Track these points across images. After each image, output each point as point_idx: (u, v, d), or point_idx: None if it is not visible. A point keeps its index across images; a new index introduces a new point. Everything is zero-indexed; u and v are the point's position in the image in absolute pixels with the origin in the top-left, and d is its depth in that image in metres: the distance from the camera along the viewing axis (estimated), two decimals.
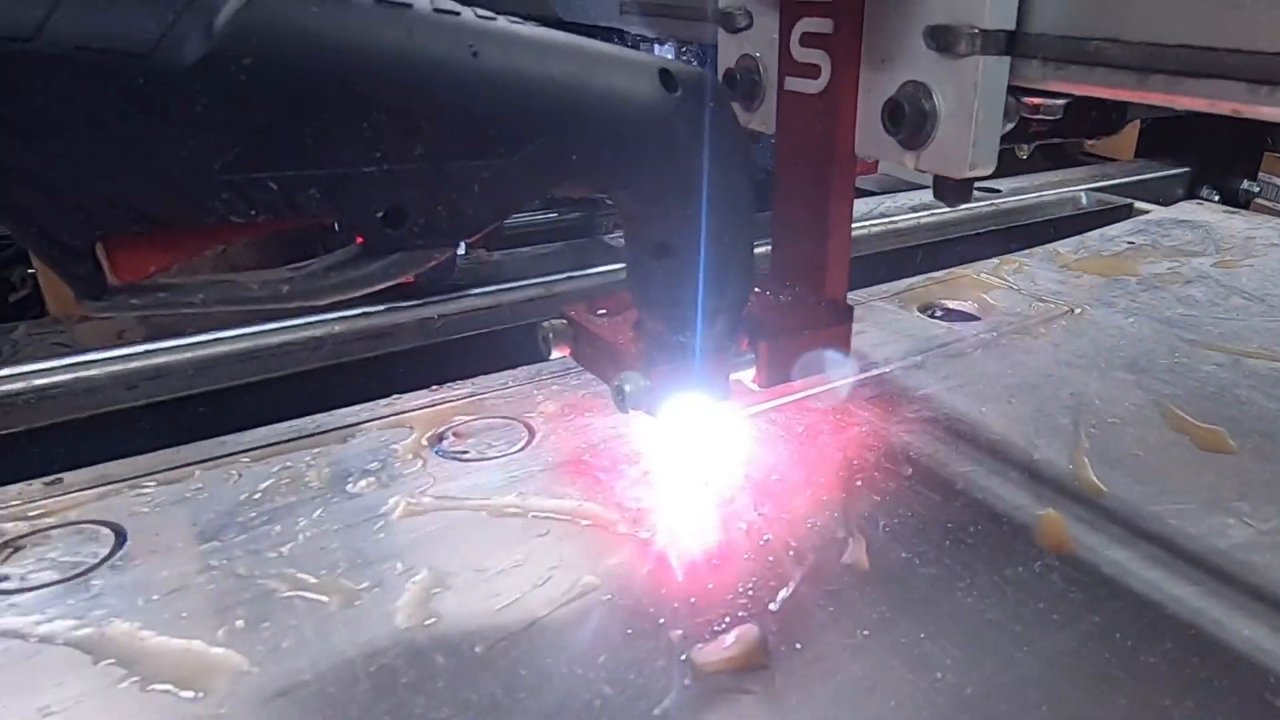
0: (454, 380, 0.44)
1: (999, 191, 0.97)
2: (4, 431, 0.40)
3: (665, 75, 0.25)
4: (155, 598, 0.28)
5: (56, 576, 0.29)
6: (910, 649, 0.26)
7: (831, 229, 0.31)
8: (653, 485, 0.34)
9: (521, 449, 0.37)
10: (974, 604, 0.28)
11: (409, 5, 0.20)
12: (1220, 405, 0.47)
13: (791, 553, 0.30)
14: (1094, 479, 0.37)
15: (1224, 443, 0.42)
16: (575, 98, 0.23)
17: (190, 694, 0.25)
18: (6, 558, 0.30)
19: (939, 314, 0.59)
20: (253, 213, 0.19)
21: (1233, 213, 0.92)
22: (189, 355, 0.46)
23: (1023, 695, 0.25)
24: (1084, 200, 1.00)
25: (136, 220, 0.18)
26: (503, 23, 0.22)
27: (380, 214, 0.21)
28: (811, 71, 0.30)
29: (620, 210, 0.27)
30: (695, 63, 0.53)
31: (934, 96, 0.26)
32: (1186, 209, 0.92)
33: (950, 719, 0.24)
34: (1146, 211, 0.94)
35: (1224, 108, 0.22)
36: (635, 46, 0.50)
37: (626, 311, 0.30)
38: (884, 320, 0.57)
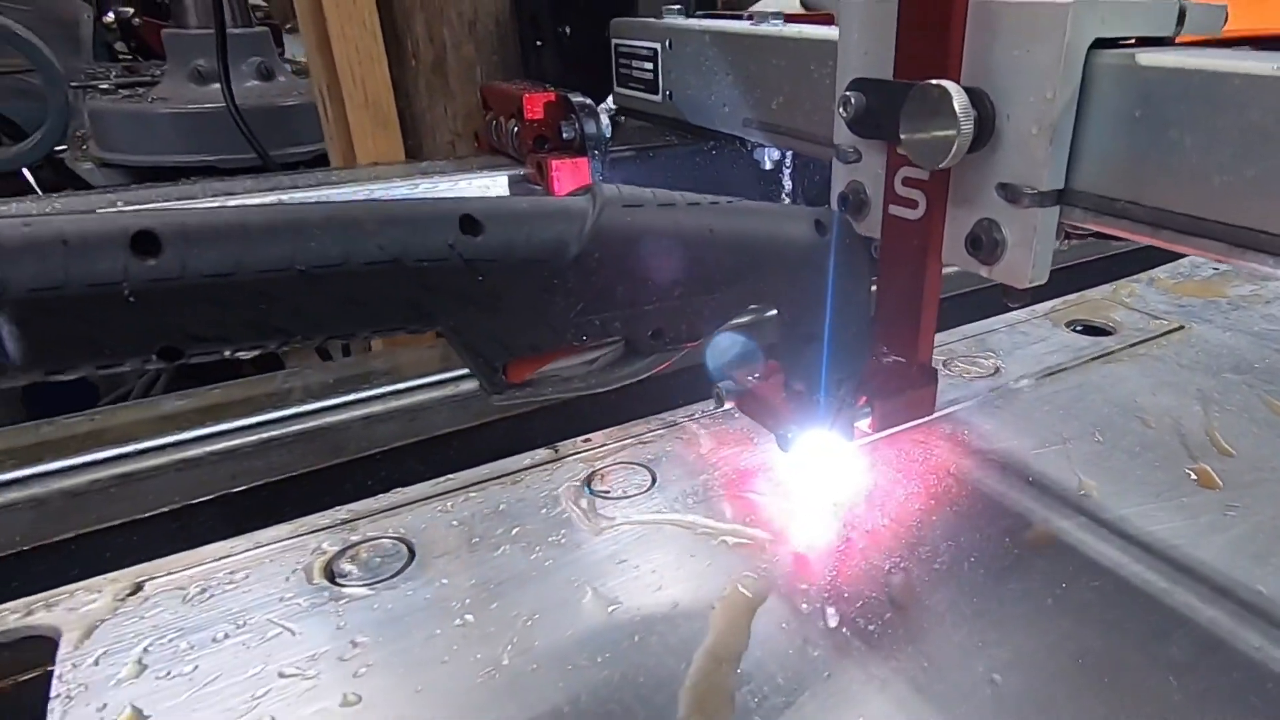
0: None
1: None
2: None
3: (819, 224, 0.36)
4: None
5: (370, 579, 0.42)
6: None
7: (923, 313, 0.42)
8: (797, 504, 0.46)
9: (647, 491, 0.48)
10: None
11: (674, 205, 0.32)
12: None
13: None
14: (1224, 444, 0.53)
15: None
16: (766, 247, 0.35)
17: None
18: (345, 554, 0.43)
19: (1079, 329, 0.74)
20: (585, 339, 0.31)
21: None
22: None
23: None
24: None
25: (531, 349, 0.30)
26: (723, 202, 0.34)
27: (650, 333, 0.33)
28: (910, 204, 0.41)
29: (781, 312, 0.39)
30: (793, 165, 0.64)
31: (1003, 230, 0.38)
32: None
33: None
34: None
35: (1213, 258, 0.33)
36: (750, 150, 0.61)
37: (775, 376, 0.42)
38: (1043, 334, 0.73)
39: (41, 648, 0.39)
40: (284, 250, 0.24)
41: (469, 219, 0.27)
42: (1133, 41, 0.36)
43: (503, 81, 0.62)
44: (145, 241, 0.22)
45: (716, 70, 0.59)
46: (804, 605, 0.39)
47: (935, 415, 0.53)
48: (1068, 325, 0.77)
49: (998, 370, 0.65)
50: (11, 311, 0.20)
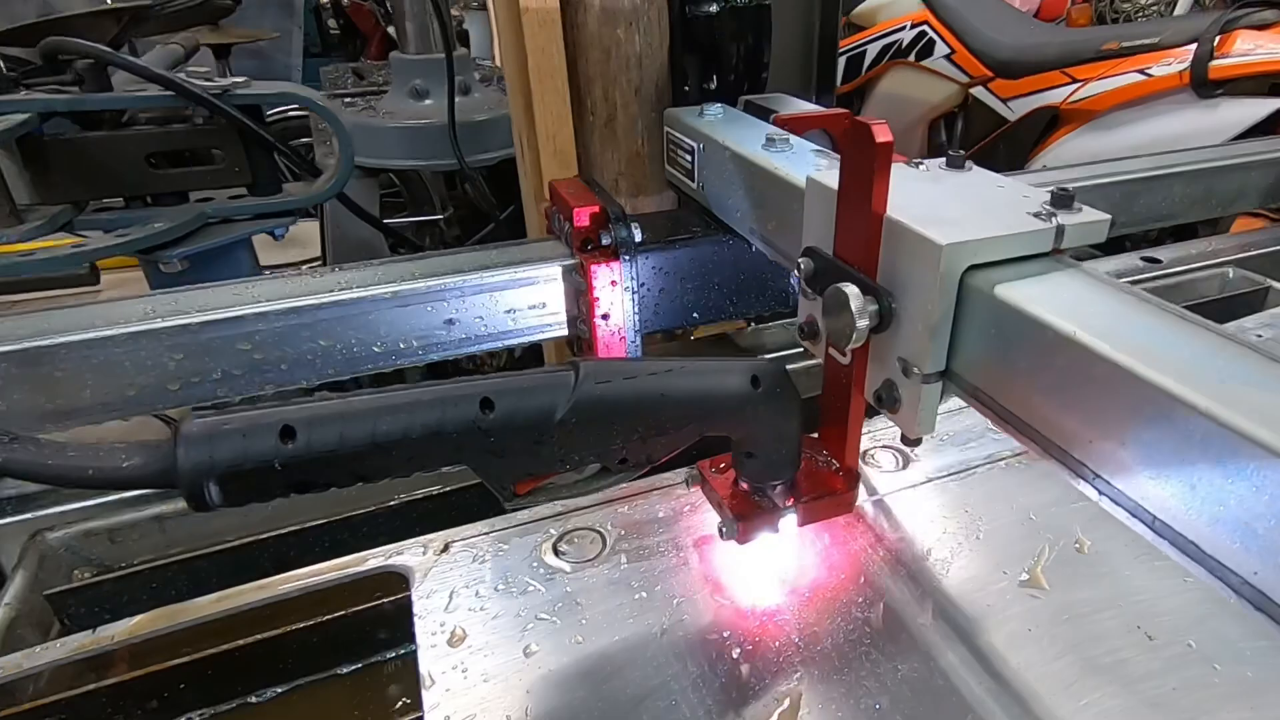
0: None
1: (1160, 262, 1.07)
2: None
3: (754, 380, 0.49)
4: None
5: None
6: None
7: (850, 430, 0.54)
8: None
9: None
10: None
11: (635, 376, 0.45)
12: None
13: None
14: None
15: None
16: (707, 401, 0.47)
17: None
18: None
19: None
20: (568, 467, 0.45)
21: None
22: None
23: None
24: (1230, 275, 1.06)
25: (529, 476, 0.44)
26: (677, 367, 0.47)
27: (618, 460, 0.46)
28: (842, 353, 0.53)
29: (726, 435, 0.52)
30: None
31: (900, 392, 0.49)
32: None
33: None
34: None
35: (1038, 455, 0.44)
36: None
37: (730, 471, 0.55)
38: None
39: (394, 581, 0.62)
40: (366, 429, 0.39)
41: (486, 400, 0.41)
42: (1012, 259, 0.46)
43: (566, 180, 0.74)
44: (287, 432, 0.37)
45: (733, 180, 0.70)
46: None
47: None
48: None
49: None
50: (217, 477, 0.36)
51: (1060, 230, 0.46)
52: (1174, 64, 1.66)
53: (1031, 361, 0.42)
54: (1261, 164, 1.01)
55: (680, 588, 0.58)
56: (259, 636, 0.62)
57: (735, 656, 0.53)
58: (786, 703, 0.50)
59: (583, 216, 0.65)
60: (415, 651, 0.55)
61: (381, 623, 0.65)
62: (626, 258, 0.65)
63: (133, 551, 0.83)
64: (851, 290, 0.46)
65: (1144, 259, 1.04)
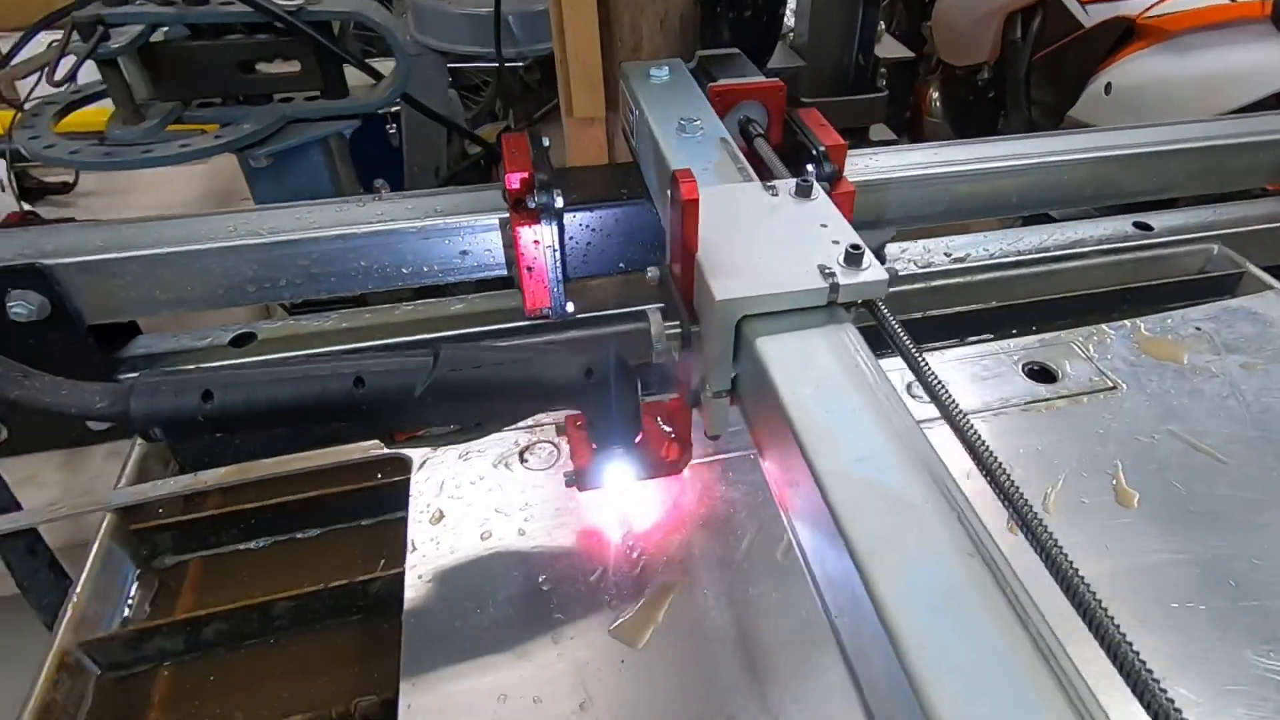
0: None
1: (1151, 229, 1.06)
2: None
3: (589, 370, 0.60)
4: None
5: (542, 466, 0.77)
6: None
7: (682, 414, 0.65)
8: None
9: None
10: None
11: (481, 365, 0.58)
12: (1149, 477, 0.73)
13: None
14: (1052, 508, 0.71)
15: (1130, 501, 0.71)
16: (548, 385, 0.60)
17: None
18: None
19: (1035, 369, 0.86)
20: (430, 427, 0.60)
21: None
22: None
23: None
24: (1215, 252, 1.04)
25: (401, 431, 0.59)
26: (522, 355, 0.59)
27: (474, 424, 0.61)
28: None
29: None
30: None
31: (703, 398, 0.59)
32: (1268, 301, 0.96)
33: None
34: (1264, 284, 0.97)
35: (778, 471, 0.54)
36: None
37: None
38: (996, 373, 0.86)
39: (400, 464, 0.81)
40: (266, 394, 0.55)
41: (359, 378, 0.56)
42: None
43: (514, 135, 0.83)
44: (207, 395, 0.54)
45: (648, 157, 0.77)
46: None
47: None
48: (1025, 365, 0.89)
49: None
50: (158, 422, 0.53)
51: (835, 287, 0.52)
52: None
53: (768, 408, 0.51)
54: (1270, 144, 0.93)
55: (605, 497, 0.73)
56: (305, 495, 0.84)
57: (635, 558, 0.69)
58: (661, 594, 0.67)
59: (513, 180, 0.75)
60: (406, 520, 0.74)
61: (391, 493, 0.85)
62: (547, 221, 0.76)
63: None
64: (654, 317, 0.56)
65: (1136, 224, 1.01)
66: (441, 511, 0.77)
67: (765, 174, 0.72)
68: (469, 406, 0.58)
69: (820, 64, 1.21)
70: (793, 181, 0.60)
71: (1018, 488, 0.40)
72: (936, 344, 0.91)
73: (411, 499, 0.78)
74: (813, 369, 0.49)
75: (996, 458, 0.42)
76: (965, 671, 0.34)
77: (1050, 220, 1.09)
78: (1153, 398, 0.83)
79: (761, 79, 0.80)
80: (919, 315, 0.98)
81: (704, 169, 0.66)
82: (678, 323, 0.56)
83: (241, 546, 0.86)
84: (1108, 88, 1.42)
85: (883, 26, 1.28)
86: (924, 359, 0.50)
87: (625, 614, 0.70)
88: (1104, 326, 0.92)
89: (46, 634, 0.73)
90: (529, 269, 0.78)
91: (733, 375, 0.55)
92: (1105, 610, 0.34)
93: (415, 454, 0.81)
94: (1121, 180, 0.95)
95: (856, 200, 0.95)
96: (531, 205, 0.74)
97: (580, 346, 0.85)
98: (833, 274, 0.52)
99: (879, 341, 0.50)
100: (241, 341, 1.01)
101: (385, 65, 1.24)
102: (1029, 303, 0.98)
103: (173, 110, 1.15)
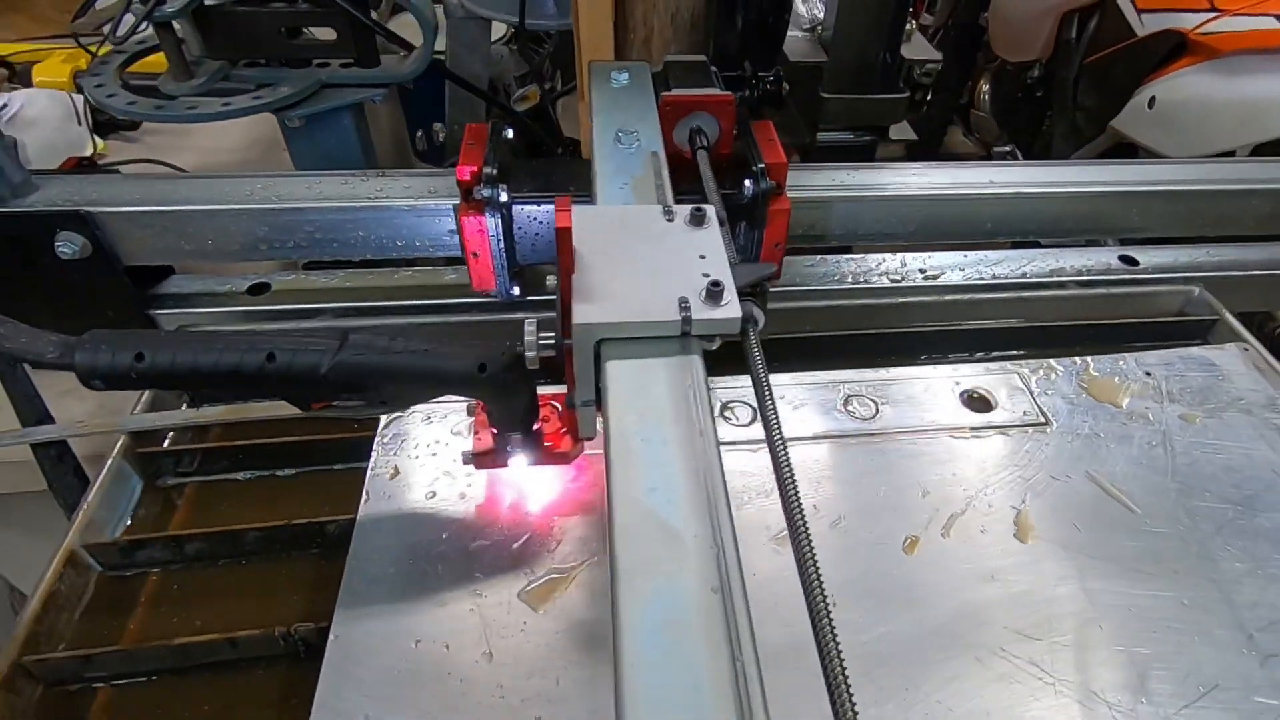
0: None
1: (1137, 264, 1.03)
2: None
3: (482, 366, 0.66)
4: None
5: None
6: None
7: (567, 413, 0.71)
8: None
9: None
10: None
11: (386, 350, 0.65)
12: (1061, 518, 0.75)
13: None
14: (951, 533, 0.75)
15: (1027, 536, 0.74)
16: (440, 375, 0.66)
17: None
18: None
19: (973, 397, 0.87)
20: (337, 401, 0.67)
21: (1267, 368, 0.91)
22: None
23: None
24: (1195, 294, 1.00)
25: (313, 403, 0.67)
26: (423, 346, 0.66)
27: (380, 401, 0.68)
28: None
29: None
30: None
31: (577, 404, 0.64)
32: (1227, 354, 0.93)
33: None
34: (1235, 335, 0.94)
35: None
36: None
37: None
38: (933, 397, 0.88)
39: (372, 420, 0.89)
40: (190, 358, 0.63)
41: (270, 354, 0.64)
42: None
43: (478, 125, 0.88)
44: (139, 356, 0.63)
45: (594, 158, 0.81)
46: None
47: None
48: (965, 394, 0.90)
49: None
50: (98, 373, 0.63)
51: (688, 320, 0.56)
52: None
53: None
54: (1265, 193, 0.88)
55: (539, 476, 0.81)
56: (288, 439, 0.94)
57: (555, 532, 0.77)
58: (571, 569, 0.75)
59: (464, 173, 0.81)
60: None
61: (363, 445, 0.92)
62: (491, 213, 0.81)
63: None
64: (529, 326, 0.61)
65: (1122, 258, 0.98)
66: (397, 468, 0.86)
67: (699, 190, 0.75)
68: (371, 387, 0.66)
69: (843, 60, 1.20)
70: (689, 208, 0.63)
71: (803, 512, 0.45)
72: (889, 365, 0.92)
73: (373, 453, 0.87)
74: (644, 398, 0.54)
75: (795, 483, 0.46)
76: (660, 690, 0.39)
77: (1037, 245, 1.06)
78: (1080, 438, 0.82)
79: (714, 91, 0.82)
80: (885, 330, 0.99)
81: (622, 185, 0.70)
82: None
83: (230, 476, 0.97)
84: (1151, 101, 1.34)
85: (913, 25, 1.25)
86: (770, 389, 0.54)
87: (536, 581, 0.78)
88: (1052, 361, 0.91)
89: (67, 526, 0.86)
90: (475, 254, 0.84)
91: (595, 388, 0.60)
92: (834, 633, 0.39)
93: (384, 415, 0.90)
94: (1105, 215, 0.92)
95: (815, 214, 0.97)
96: (478, 197, 0.80)
97: (501, 331, 0.91)
98: (688, 308, 0.56)
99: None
100: (258, 290, 1.12)
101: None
102: (996, 329, 0.98)
103: (220, 69, 1.25)
